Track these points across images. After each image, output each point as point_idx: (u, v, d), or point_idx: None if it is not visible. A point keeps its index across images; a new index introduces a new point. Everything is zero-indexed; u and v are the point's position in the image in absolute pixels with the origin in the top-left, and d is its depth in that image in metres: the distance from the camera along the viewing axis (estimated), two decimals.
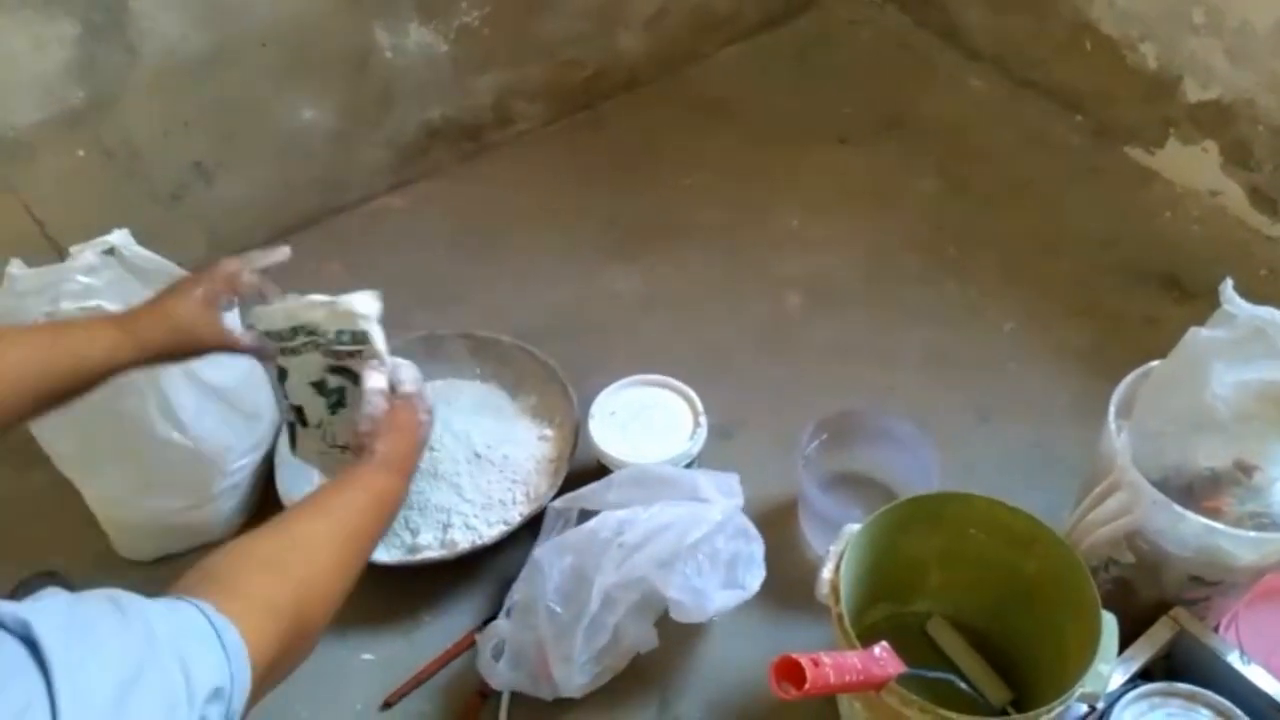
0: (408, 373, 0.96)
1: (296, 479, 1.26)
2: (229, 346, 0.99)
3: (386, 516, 0.86)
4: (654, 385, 1.28)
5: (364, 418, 0.90)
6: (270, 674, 0.65)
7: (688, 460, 1.20)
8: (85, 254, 1.10)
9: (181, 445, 1.16)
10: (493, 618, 1.18)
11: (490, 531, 1.20)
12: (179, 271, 1.22)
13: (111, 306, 1.07)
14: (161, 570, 1.25)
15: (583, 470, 1.25)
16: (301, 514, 0.80)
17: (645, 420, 1.24)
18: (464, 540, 1.19)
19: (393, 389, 0.94)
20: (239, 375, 1.22)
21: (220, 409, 1.19)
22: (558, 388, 1.31)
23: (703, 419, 1.23)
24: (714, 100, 1.90)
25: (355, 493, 0.83)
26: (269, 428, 1.29)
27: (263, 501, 1.29)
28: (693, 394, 1.26)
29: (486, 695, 1.12)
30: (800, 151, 1.78)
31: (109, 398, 1.09)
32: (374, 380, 0.93)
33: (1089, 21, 1.68)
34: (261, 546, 0.72)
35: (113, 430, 1.13)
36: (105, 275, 1.12)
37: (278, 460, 1.25)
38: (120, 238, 1.16)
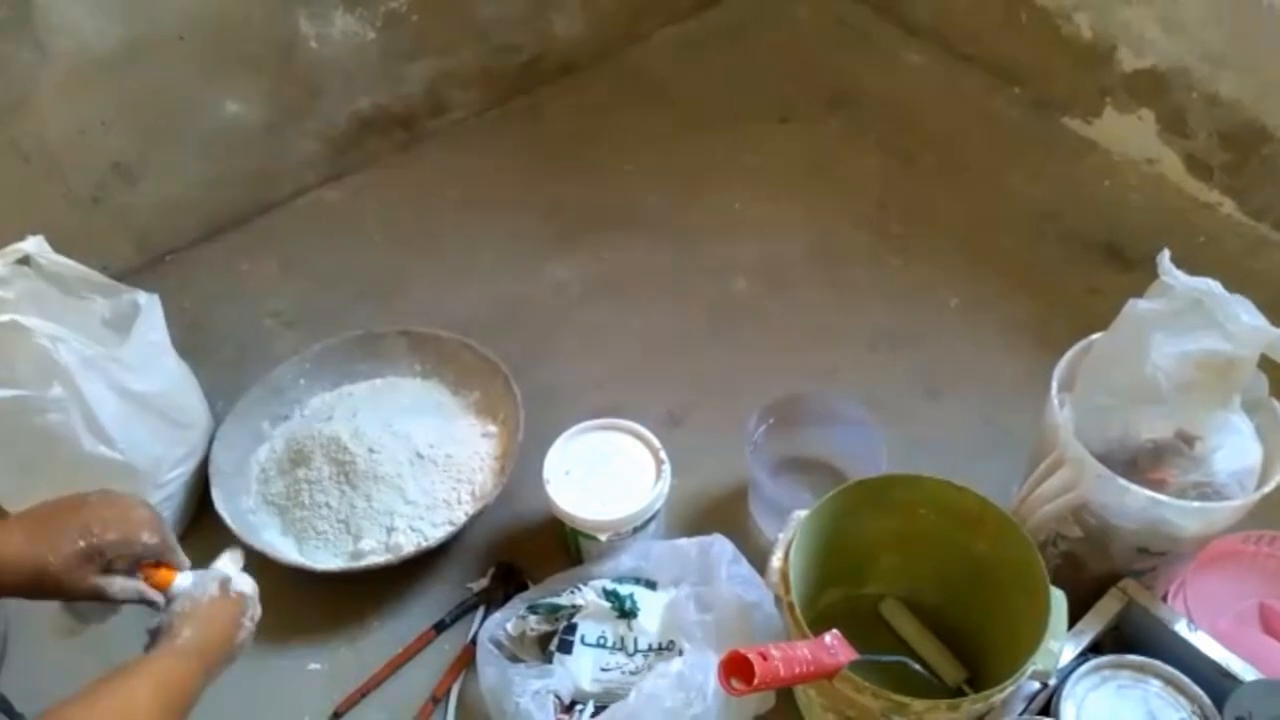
0: (247, 583, 0.88)
1: (232, 489, 1.22)
2: (103, 598, 0.83)
3: (180, 710, 0.76)
4: (606, 430, 1.17)
5: (185, 596, 0.84)
6: None
7: (655, 508, 1.12)
8: None
9: (110, 459, 1.11)
10: (442, 622, 1.16)
11: (436, 533, 1.18)
12: (99, 278, 1.18)
13: (26, 320, 1.02)
14: None
15: (541, 527, 1.23)
16: (86, 705, 0.70)
17: (604, 473, 1.12)
18: (409, 543, 1.17)
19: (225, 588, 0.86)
20: (167, 382, 1.18)
21: (148, 419, 1.15)
22: (501, 382, 1.29)
23: (664, 459, 1.13)
24: (653, 83, 1.88)
25: (146, 683, 0.74)
26: (201, 436, 1.25)
27: (198, 513, 1.25)
28: (648, 434, 1.15)
29: (438, 700, 1.10)
30: (741, 132, 1.77)
31: (32, 414, 1.06)
32: (224, 567, 0.88)
33: None
34: None
35: (38, 447, 1.09)
36: (19, 286, 1.07)
37: (212, 470, 1.21)
38: (35, 245, 1.11)
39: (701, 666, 0.97)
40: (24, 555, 0.78)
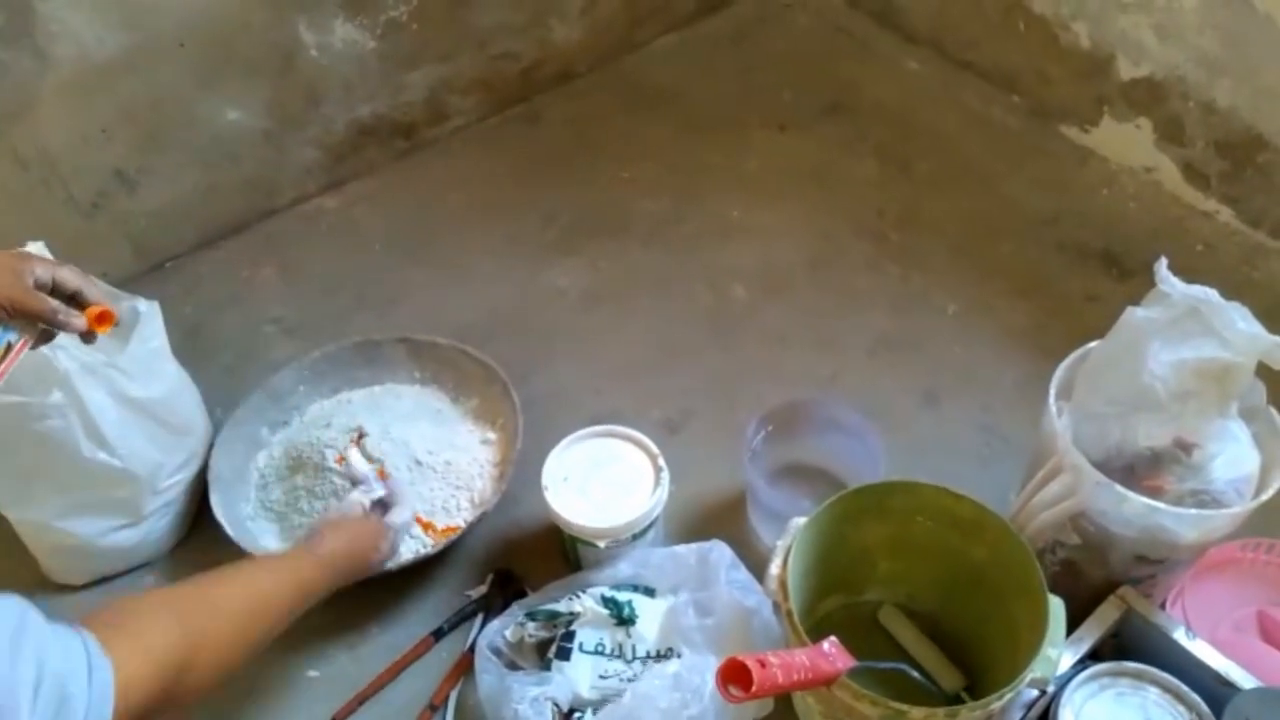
0: (405, 515, 1.10)
1: (231, 496, 1.22)
2: (43, 318, 0.85)
3: (301, 604, 0.90)
4: (604, 437, 1.17)
5: (334, 508, 1.04)
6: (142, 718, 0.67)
7: (654, 515, 1.12)
8: None
9: (109, 465, 1.12)
10: (440, 629, 1.16)
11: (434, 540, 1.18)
12: (100, 285, 1.17)
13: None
14: (95, 594, 1.21)
15: (540, 534, 1.23)
16: (223, 578, 0.84)
17: (603, 479, 1.12)
18: (408, 550, 1.16)
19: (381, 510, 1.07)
20: (166, 389, 1.18)
21: (148, 425, 1.15)
22: (499, 389, 1.29)
23: (663, 466, 1.13)
24: (652, 90, 1.88)
25: (281, 574, 0.89)
26: (200, 443, 1.25)
27: (197, 519, 1.26)
28: (647, 440, 1.15)
29: (436, 707, 1.10)
30: (740, 139, 1.77)
31: (31, 420, 1.06)
32: (377, 492, 1.09)
33: (1021, 1, 1.69)
34: (173, 598, 0.78)
35: (37, 453, 1.09)
36: None
37: (211, 476, 1.21)
38: (35, 250, 1.11)
39: (699, 668, 0.97)
40: None
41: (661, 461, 1.13)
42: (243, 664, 0.81)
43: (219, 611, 0.79)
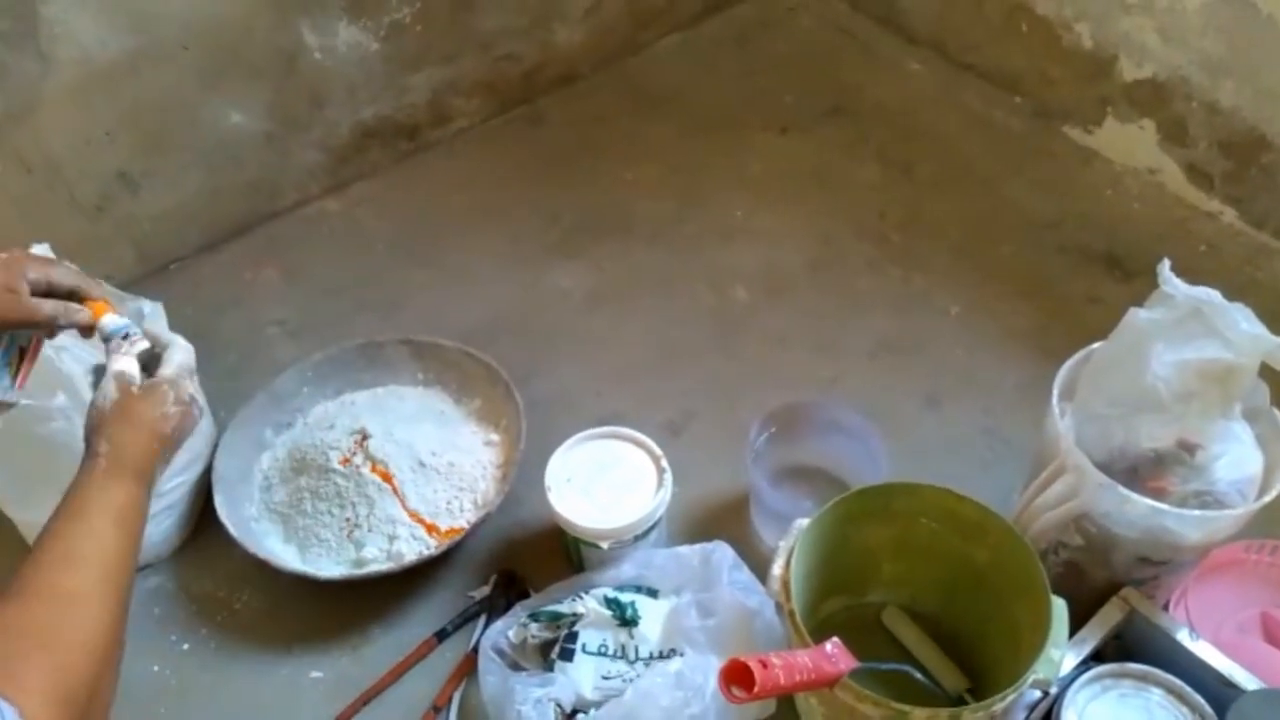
0: (177, 356, 0.84)
1: (235, 497, 1.22)
2: (36, 322, 0.83)
3: (133, 533, 0.75)
4: (608, 438, 1.17)
5: (90, 407, 0.79)
6: None
7: (657, 517, 1.12)
8: None
9: None
10: (444, 630, 1.16)
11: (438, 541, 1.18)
12: (104, 287, 1.18)
13: None
14: None
15: (543, 535, 1.23)
16: (54, 563, 0.69)
17: (606, 481, 1.13)
18: (411, 552, 1.17)
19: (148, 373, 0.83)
20: None
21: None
22: (502, 391, 1.29)
23: (666, 467, 1.13)
24: (654, 92, 1.88)
25: (97, 520, 0.73)
26: (204, 444, 1.25)
27: (201, 520, 1.26)
28: (650, 442, 1.15)
29: (439, 708, 1.10)
30: (742, 141, 1.77)
31: (35, 422, 1.07)
32: (117, 363, 0.82)
33: (1024, 3, 1.69)
34: (30, 620, 0.65)
35: (40, 456, 1.09)
36: None
37: (215, 478, 1.21)
38: (39, 252, 1.11)
39: (701, 667, 0.97)
40: None
41: (664, 463, 1.13)
42: (119, 631, 0.70)
43: (85, 611, 0.68)
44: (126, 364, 0.82)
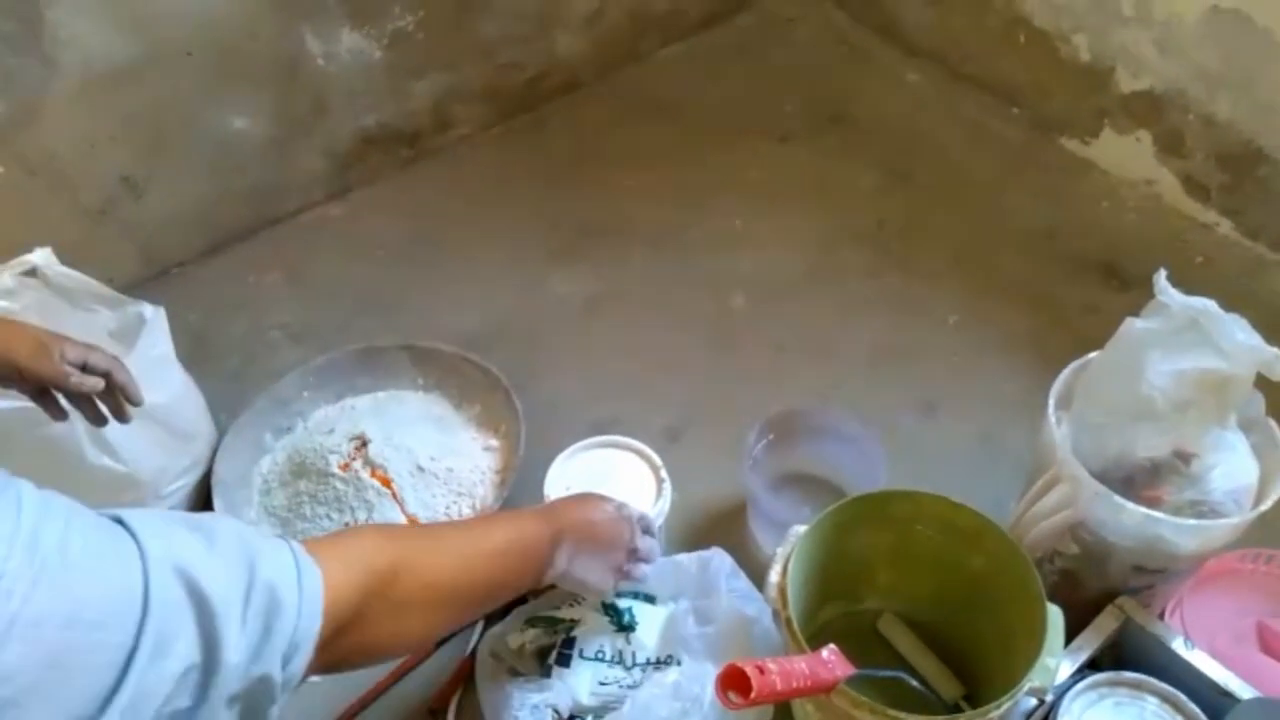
0: (663, 510, 1.08)
1: (235, 500, 1.23)
2: (58, 383, 0.92)
3: (522, 561, 0.86)
4: (607, 447, 1.17)
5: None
6: (346, 634, 0.65)
7: (657, 525, 1.11)
8: (3, 276, 1.07)
9: (114, 470, 1.12)
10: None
11: None
12: (106, 290, 1.19)
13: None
14: None
15: None
16: (447, 525, 0.88)
17: (605, 490, 1.08)
18: None
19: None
20: (171, 394, 1.19)
21: (152, 430, 1.16)
22: (502, 396, 1.29)
23: (665, 477, 1.13)
24: (655, 100, 1.89)
25: (506, 525, 0.87)
26: (204, 447, 1.26)
27: None
28: (649, 450, 1.16)
29: (436, 711, 1.11)
30: (742, 150, 1.78)
31: (36, 425, 1.07)
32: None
33: (1022, 15, 1.70)
34: (390, 528, 0.80)
35: (42, 458, 1.09)
36: (26, 297, 1.08)
37: (215, 481, 1.22)
38: (42, 257, 1.12)
39: (698, 677, 0.97)
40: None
41: (663, 473, 1.14)
42: (455, 603, 0.78)
43: (436, 542, 0.79)
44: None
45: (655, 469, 1.14)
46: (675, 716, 0.95)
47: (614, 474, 1.15)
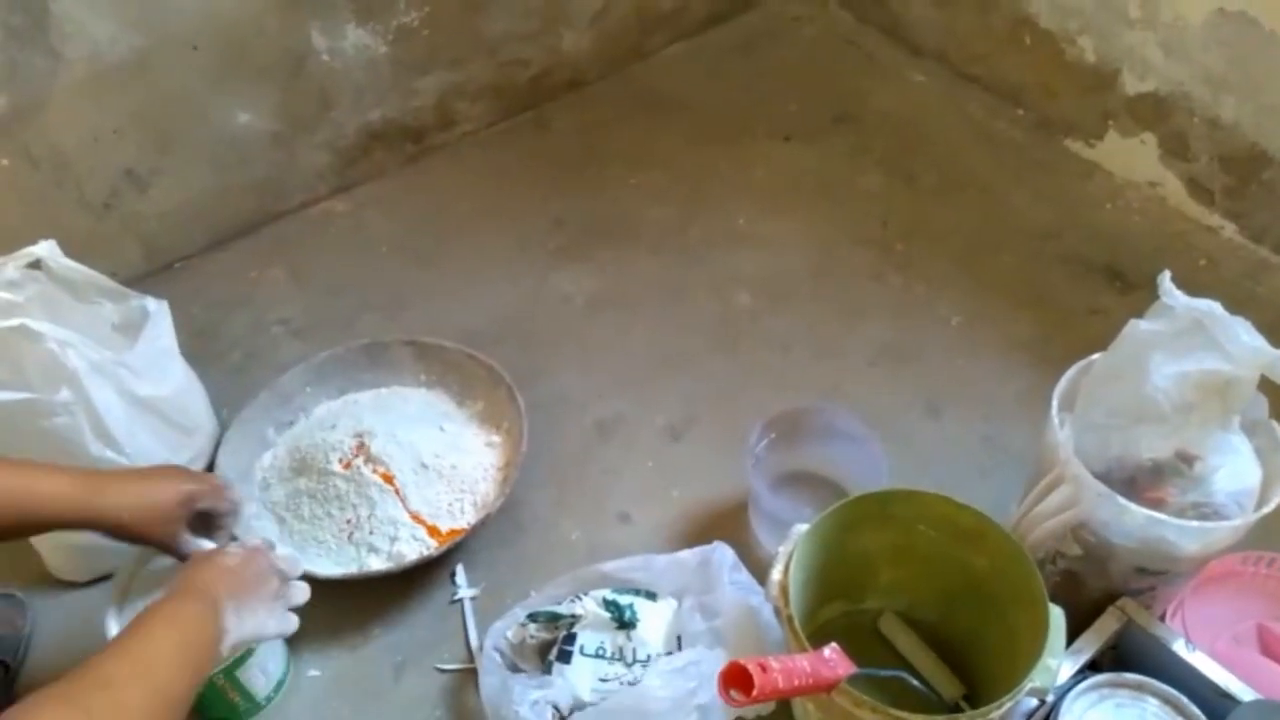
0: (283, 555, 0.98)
1: None
2: (177, 555, 0.98)
3: (200, 654, 0.80)
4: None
5: (204, 549, 0.97)
6: None
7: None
8: (7, 268, 1.06)
9: (115, 462, 1.12)
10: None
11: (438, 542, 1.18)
12: (109, 284, 1.19)
13: (36, 325, 1.03)
14: (97, 591, 1.21)
15: (542, 535, 1.24)
16: (104, 654, 0.74)
17: None
18: (412, 552, 1.17)
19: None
20: (173, 388, 1.19)
21: (155, 423, 1.16)
22: (504, 393, 1.29)
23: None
24: (660, 99, 1.89)
25: (156, 627, 0.78)
26: (206, 441, 1.26)
27: None
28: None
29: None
30: (747, 149, 1.78)
31: (39, 417, 1.07)
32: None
33: (1028, 16, 1.70)
34: (67, 690, 0.68)
35: (44, 450, 1.09)
36: (30, 290, 1.08)
37: (216, 474, 1.22)
38: (46, 249, 1.12)
39: (709, 658, 0.98)
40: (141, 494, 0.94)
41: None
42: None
43: (111, 679, 0.71)
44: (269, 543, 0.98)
45: None
46: (684, 695, 0.96)
47: None
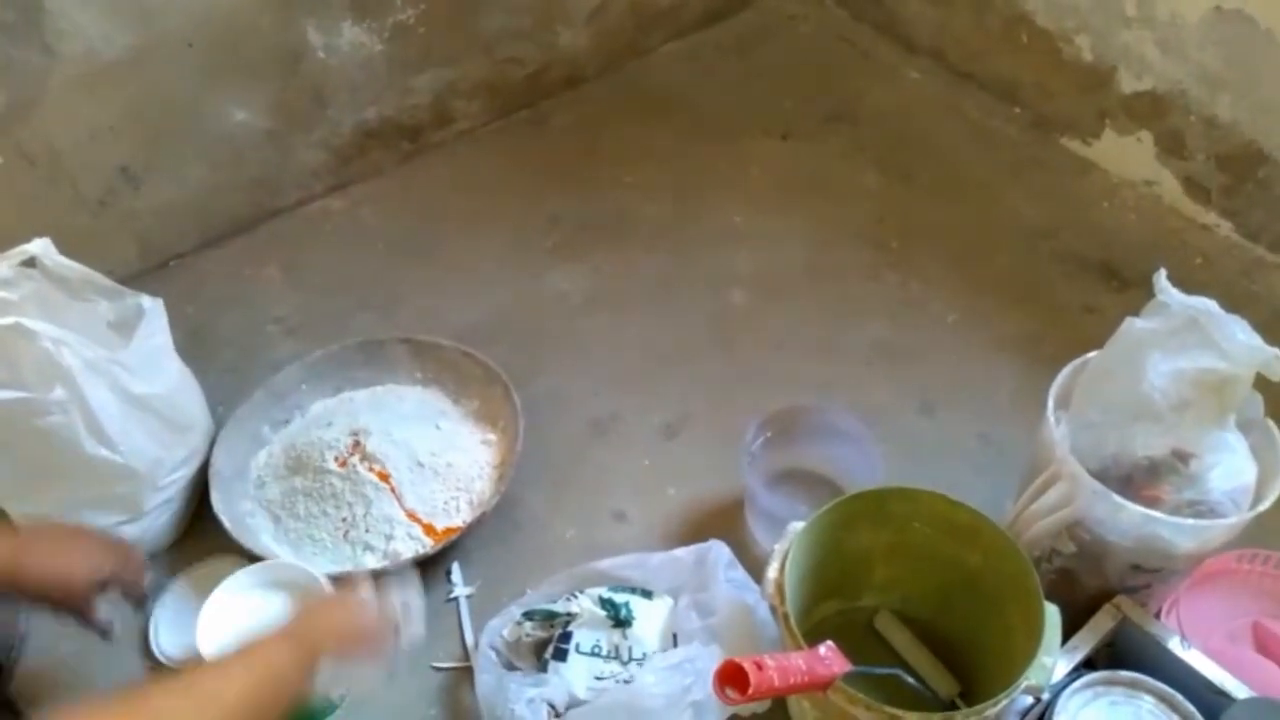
0: (413, 603, 0.98)
1: (231, 493, 1.23)
2: (89, 626, 0.98)
3: (274, 699, 0.76)
4: (268, 587, 1.07)
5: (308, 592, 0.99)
6: None
7: None
8: (1, 266, 1.06)
9: (111, 461, 1.12)
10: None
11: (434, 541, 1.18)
12: (104, 281, 1.18)
13: (31, 323, 1.03)
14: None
15: (539, 533, 1.24)
16: (165, 690, 0.72)
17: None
18: (407, 550, 1.17)
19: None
20: (169, 386, 1.19)
21: (150, 421, 1.15)
22: (500, 391, 1.29)
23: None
24: (656, 97, 1.89)
25: (235, 669, 0.76)
26: (202, 439, 1.26)
27: (197, 515, 1.26)
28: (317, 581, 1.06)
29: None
30: (743, 147, 1.78)
31: (34, 415, 1.07)
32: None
33: (1024, 14, 1.70)
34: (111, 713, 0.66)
35: (38, 448, 1.09)
36: (24, 288, 1.08)
37: (212, 473, 1.22)
38: (41, 247, 1.12)
39: (704, 655, 0.98)
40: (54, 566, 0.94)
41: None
42: None
43: (160, 715, 0.69)
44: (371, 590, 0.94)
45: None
46: (679, 691, 0.96)
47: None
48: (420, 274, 1.58)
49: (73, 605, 0.96)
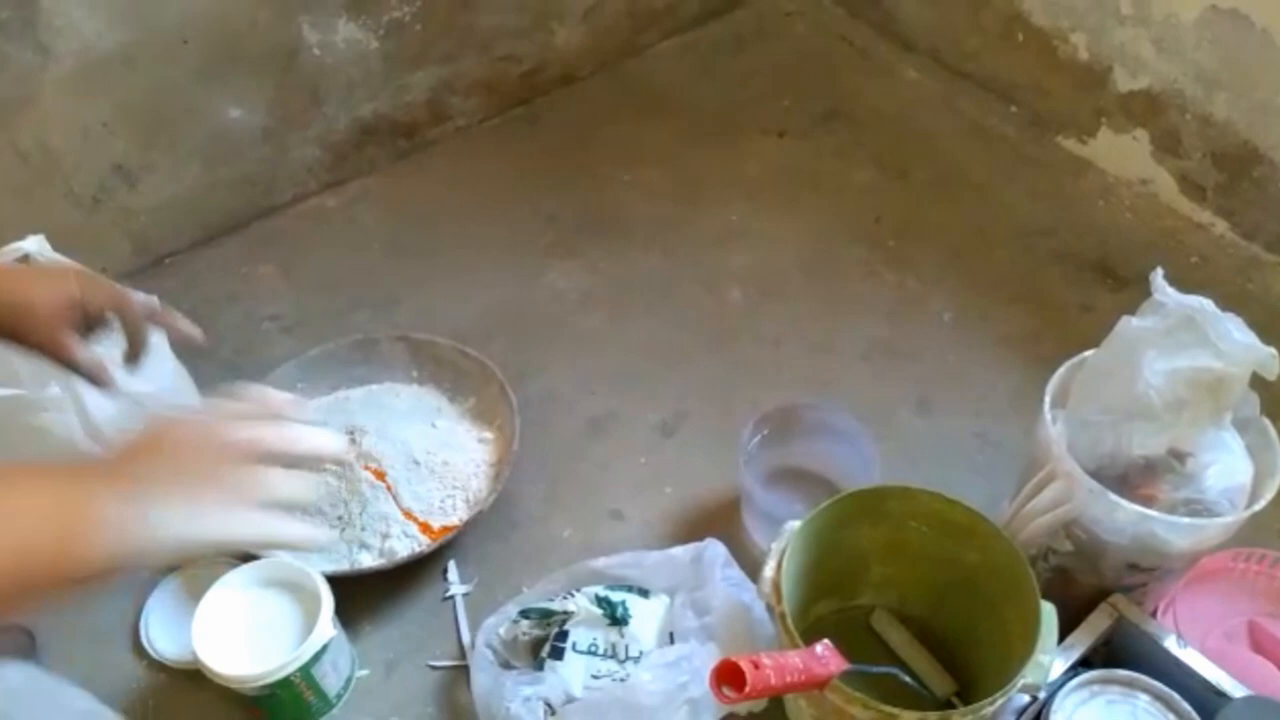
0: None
1: None
2: (66, 363, 0.85)
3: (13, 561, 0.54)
4: (265, 585, 1.07)
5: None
6: None
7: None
8: None
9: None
10: None
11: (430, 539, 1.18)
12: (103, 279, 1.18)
13: None
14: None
15: (534, 532, 1.24)
16: None
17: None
18: (403, 549, 1.17)
19: None
20: (164, 384, 1.18)
21: (145, 420, 1.15)
22: (496, 389, 1.29)
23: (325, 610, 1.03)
24: (652, 94, 1.89)
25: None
26: None
27: None
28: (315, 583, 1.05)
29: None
30: (739, 145, 1.78)
31: (28, 413, 1.06)
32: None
33: (1020, 13, 1.70)
34: None
35: (33, 447, 1.09)
36: None
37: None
38: (35, 244, 1.11)
39: (700, 653, 0.98)
40: (13, 292, 0.83)
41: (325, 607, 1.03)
42: None
43: None
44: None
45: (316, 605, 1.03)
46: (675, 689, 0.96)
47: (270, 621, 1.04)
48: (416, 272, 1.58)
49: (42, 339, 0.83)
